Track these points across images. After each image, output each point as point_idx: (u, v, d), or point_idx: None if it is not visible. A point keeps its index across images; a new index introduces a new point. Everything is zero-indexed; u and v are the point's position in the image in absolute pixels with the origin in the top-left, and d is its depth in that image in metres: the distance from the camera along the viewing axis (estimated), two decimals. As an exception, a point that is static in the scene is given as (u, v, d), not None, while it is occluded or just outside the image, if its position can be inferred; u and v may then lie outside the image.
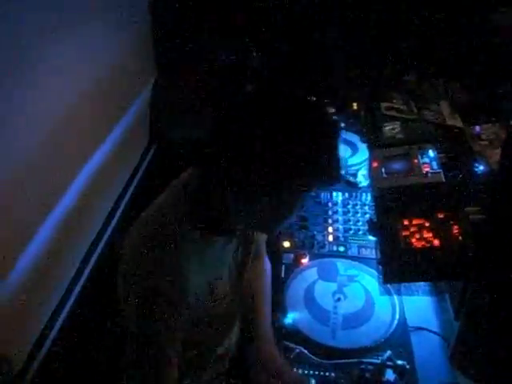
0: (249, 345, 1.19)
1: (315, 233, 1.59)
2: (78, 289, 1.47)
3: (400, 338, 1.26)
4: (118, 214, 1.82)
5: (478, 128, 1.48)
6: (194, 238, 0.94)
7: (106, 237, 1.69)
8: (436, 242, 1.15)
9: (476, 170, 1.35)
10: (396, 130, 1.56)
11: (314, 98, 2.16)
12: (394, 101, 1.68)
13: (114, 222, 1.77)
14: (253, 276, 1.27)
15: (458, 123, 1.55)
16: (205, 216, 0.95)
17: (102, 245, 1.65)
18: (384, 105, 1.69)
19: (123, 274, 0.94)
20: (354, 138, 2.00)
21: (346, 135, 2.02)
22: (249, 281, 1.24)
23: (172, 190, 1.01)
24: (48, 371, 1.26)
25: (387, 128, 1.59)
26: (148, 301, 0.88)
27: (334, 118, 0.93)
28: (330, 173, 0.88)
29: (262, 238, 1.30)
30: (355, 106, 2.16)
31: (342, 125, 2.06)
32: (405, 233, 1.19)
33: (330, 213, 1.68)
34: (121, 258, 0.95)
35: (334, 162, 0.87)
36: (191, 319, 0.97)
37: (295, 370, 1.19)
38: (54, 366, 1.28)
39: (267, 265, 1.35)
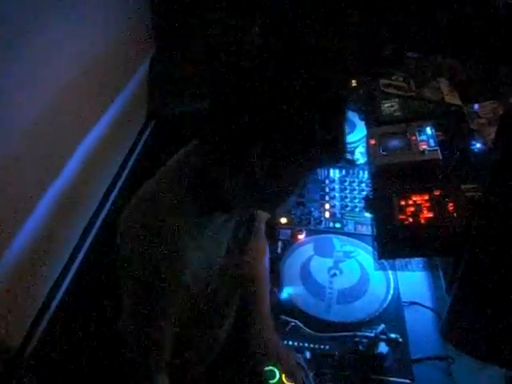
0: (248, 329, 1.19)
1: (312, 209, 1.60)
2: (74, 268, 1.46)
3: (394, 313, 1.29)
4: (116, 191, 1.82)
5: (476, 106, 1.47)
6: (193, 214, 0.93)
7: (103, 214, 1.68)
8: (431, 219, 1.16)
9: (473, 147, 1.35)
10: (394, 108, 1.56)
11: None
12: (393, 78, 1.67)
13: (111, 200, 1.77)
14: (254, 257, 1.26)
15: (457, 101, 1.54)
16: (205, 192, 0.93)
17: (99, 223, 1.64)
18: (383, 82, 1.68)
19: (122, 255, 0.92)
20: (352, 115, 1.99)
21: (345, 112, 2.01)
22: (249, 262, 1.23)
23: (171, 166, 0.99)
24: (46, 351, 1.26)
25: (385, 105, 1.58)
26: (145, 281, 0.88)
27: (341, 92, 0.89)
28: (336, 147, 0.86)
29: (263, 216, 1.29)
30: (354, 83, 2.14)
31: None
32: (401, 209, 1.20)
33: (327, 190, 1.69)
34: (119, 235, 0.93)
35: (341, 136, 0.85)
36: (189, 296, 0.96)
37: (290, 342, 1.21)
38: (52, 346, 1.29)
39: (266, 245, 1.34)
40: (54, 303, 1.35)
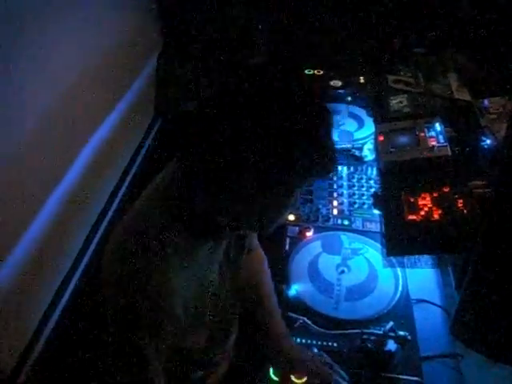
0: (263, 340, 1.16)
1: (320, 206, 1.60)
2: (79, 273, 1.45)
3: (402, 310, 1.28)
4: (123, 189, 1.82)
5: (486, 101, 1.46)
6: (179, 244, 0.87)
7: (109, 215, 1.68)
8: (440, 216, 1.16)
9: (483, 144, 1.34)
10: (403, 104, 1.55)
11: (321, 72, 2.13)
12: (402, 73, 1.66)
13: (118, 198, 1.77)
14: (251, 269, 1.23)
15: (466, 97, 1.53)
16: (191, 219, 0.87)
17: (105, 224, 1.64)
18: (391, 78, 1.67)
19: (106, 283, 0.87)
20: (361, 111, 1.99)
21: (353, 109, 2.01)
22: (248, 276, 1.21)
23: (153, 192, 0.93)
24: (50, 357, 1.25)
25: (394, 101, 1.57)
26: (131, 316, 0.82)
27: (324, 105, 0.84)
28: (323, 164, 0.81)
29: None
30: (362, 79, 2.13)
31: (349, 98, 2.05)
32: (409, 206, 1.20)
33: (335, 186, 1.68)
34: (103, 266, 0.88)
35: (327, 152, 0.80)
36: (181, 328, 0.90)
37: (298, 339, 1.21)
38: (57, 351, 1.27)
39: (263, 256, 1.29)
40: (59, 308, 1.34)
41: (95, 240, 1.56)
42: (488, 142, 1.32)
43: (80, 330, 1.34)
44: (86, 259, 1.50)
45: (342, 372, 1.12)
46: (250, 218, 0.87)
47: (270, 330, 1.16)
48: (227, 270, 1.04)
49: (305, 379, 1.12)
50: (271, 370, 1.15)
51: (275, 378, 1.14)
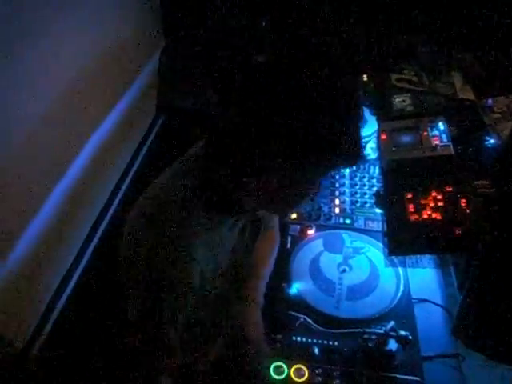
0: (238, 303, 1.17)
1: (322, 205, 1.59)
2: (83, 264, 1.47)
3: (404, 310, 1.27)
4: (125, 185, 1.82)
5: (490, 101, 1.45)
6: (201, 219, 0.90)
7: (112, 209, 1.69)
8: (443, 216, 1.15)
9: (487, 143, 1.33)
10: (406, 102, 1.54)
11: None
12: (405, 72, 1.65)
13: (120, 194, 1.77)
14: (259, 245, 1.26)
15: (470, 96, 1.52)
16: (214, 196, 0.90)
17: (108, 218, 1.64)
18: (395, 76, 1.66)
19: (125, 257, 0.89)
20: (363, 110, 1.98)
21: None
22: (255, 250, 1.23)
23: (179, 168, 0.96)
24: (54, 346, 1.27)
25: (397, 100, 1.56)
26: (153, 288, 0.85)
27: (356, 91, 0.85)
28: (353, 151, 0.82)
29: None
30: (365, 77, 2.12)
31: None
32: (412, 205, 1.19)
33: (337, 185, 1.67)
34: (124, 239, 0.91)
35: (358, 139, 0.82)
36: (197, 299, 0.93)
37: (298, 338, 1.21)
38: (59, 343, 1.29)
39: (277, 237, 1.32)
40: (61, 302, 1.35)
41: (96, 237, 1.56)
42: (492, 141, 1.32)
43: (90, 307, 1.38)
44: (89, 251, 1.51)
45: None
46: (271, 200, 0.88)
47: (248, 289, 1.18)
48: (239, 251, 1.07)
49: (306, 378, 1.12)
50: (272, 368, 1.15)
51: (276, 377, 1.14)
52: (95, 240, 1.55)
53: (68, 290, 1.39)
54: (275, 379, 1.13)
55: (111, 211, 1.68)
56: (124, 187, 1.81)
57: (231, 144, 0.81)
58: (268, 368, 1.15)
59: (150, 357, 0.92)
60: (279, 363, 1.15)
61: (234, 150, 0.81)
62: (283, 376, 1.13)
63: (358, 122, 0.82)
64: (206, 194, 0.90)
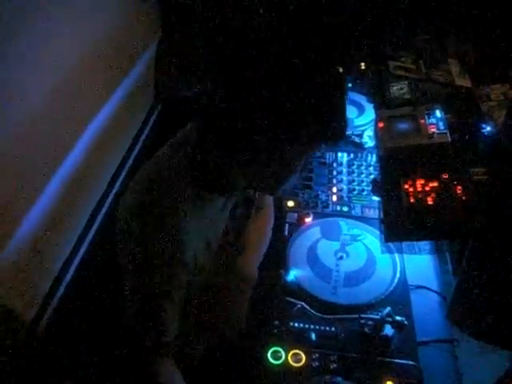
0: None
1: (319, 192, 1.60)
2: (84, 248, 1.47)
3: (400, 296, 1.29)
4: (123, 174, 1.82)
5: (487, 88, 1.45)
6: (191, 197, 0.91)
7: (110, 198, 1.69)
8: (439, 202, 1.16)
9: (483, 131, 1.34)
10: (403, 90, 1.54)
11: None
12: (403, 60, 1.65)
13: (118, 183, 1.77)
14: (253, 223, 1.26)
15: (467, 83, 1.52)
16: (204, 174, 0.92)
17: (107, 205, 1.65)
18: (392, 64, 1.66)
19: (120, 232, 0.91)
20: (361, 98, 1.98)
21: (353, 95, 2.00)
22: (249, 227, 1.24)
23: (170, 147, 0.97)
24: (59, 324, 1.28)
25: (395, 88, 1.56)
26: (145, 262, 0.87)
27: (340, 70, 0.85)
28: (335, 128, 0.83)
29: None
30: (363, 65, 2.12)
31: (349, 85, 2.04)
32: (408, 192, 1.20)
33: (334, 173, 1.68)
34: (118, 216, 0.93)
35: (340, 116, 0.83)
36: (189, 275, 0.96)
37: (296, 324, 1.22)
38: (65, 320, 1.30)
39: (271, 215, 1.32)
40: (63, 285, 1.37)
41: (95, 225, 1.57)
42: (488, 129, 1.32)
43: (96, 284, 1.39)
44: (88, 239, 1.52)
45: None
46: (259, 177, 0.90)
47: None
48: (231, 230, 1.08)
49: (303, 363, 1.14)
50: (269, 353, 1.16)
51: (274, 362, 1.15)
52: (94, 228, 1.56)
53: (73, 266, 1.40)
54: (273, 364, 1.15)
55: (109, 200, 1.68)
56: (122, 176, 1.81)
57: (220, 122, 0.82)
58: (266, 353, 1.16)
59: (144, 334, 0.93)
60: (277, 348, 1.17)
61: (222, 128, 0.82)
62: (281, 361, 1.15)
63: (338, 92, 0.83)
64: (197, 174, 0.91)
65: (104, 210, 1.63)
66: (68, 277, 1.38)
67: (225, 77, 0.83)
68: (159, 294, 0.90)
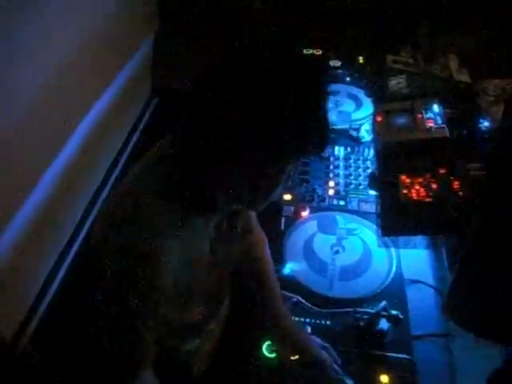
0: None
1: (316, 186, 1.60)
2: (74, 250, 1.47)
3: (395, 290, 1.29)
4: (119, 168, 1.81)
5: (485, 83, 1.45)
6: (172, 214, 0.86)
7: (105, 192, 1.68)
8: (436, 197, 1.16)
9: (481, 125, 1.33)
10: (401, 84, 1.54)
11: (320, 52, 2.10)
12: (401, 54, 1.64)
13: (113, 176, 1.76)
14: (251, 246, 1.23)
15: (466, 78, 1.52)
16: (184, 192, 0.87)
17: (101, 200, 1.64)
18: (390, 58, 1.66)
19: (95, 249, 0.86)
20: (359, 92, 1.97)
21: (351, 89, 1.99)
22: (247, 251, 1.21)
23: (147, 162, 0.92)
24: (49, 326, 1.28)
25: (393, 82, 1.56)
26: (121, 286, 0.81)
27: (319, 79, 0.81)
28: (316, 143, 0.80)
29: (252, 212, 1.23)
30: (361, 59, 2.11)
31: (347, 79, 2.03)
32: (405, 186, 1.20)
33: (331, 167, 1.67)
34: (93, 238, 0.87)
35: (321, 130, 0.79)
36: (172, 299, 0.90)
37: (293, 318, 1.21)
38: (54, 324, 1.30)
39: (263, 235, 1.28)
40: (56, 281, 1.36)
41: (88, 222, 1.56)
42: (486, 123, 1.32)
43: (77, 303, 1.35)
44: (81, 236, 1.51)
45: (335, 353, 1.13)
46: (241, 192, 0.86)
47: (271, 311, 1.17)
48: (218, 247, 1.03)
49: (297, 356, 1.14)
50: (264, 347, 1.16)
51: (268, 355, 1.15)
52: (87, 224, 1.55)
53: (65, 265, 1.39)
54: (267, 357, 1.15)
55: (104, 194, 1.68)
56: (117, 170, 1.81)
57: (200, 137, 0.79)
58: (260, 347, 1.16)
59: (120, 347, 0.88)
60: (271, 342, 1.17)
61: (203, 142, 0.79)
62: (275, 354, 1.15)
63: (324, 108, 0.79)
64: (177, 192, 0.86)
65: (98, 206, 1.63)
66: (53, 287, 1.36)
67: (212, 76, 0.79)
68: (133, 313, 0.84)
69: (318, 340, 1.16)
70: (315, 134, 0.79)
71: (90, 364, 1.05)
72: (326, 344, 1.15)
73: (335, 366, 1.10)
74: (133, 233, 0.81)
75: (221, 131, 0.76)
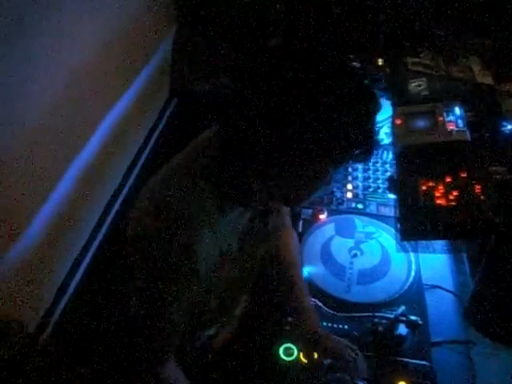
0: (294, 317, 1.19)
1: (334, 189, 1.59)
2: (94, 248, 1.48)
3: (414, 295, 1.27)
4: (138, 168, 1.82)
5: (508, 86, 1.42)
6: (209, 208, 0.88)
7: (124, 192, 1.69)
8: (456, 201, 1.14)
9: (504, 129, 1.31)
10: (422, 87, 1.52)
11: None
12: (421, 56, 1.62)
13: (133, 177, 1.77)
14: (283, 247, 1.24)
15: (489, 81, 1.49)
16: (225, 185, 0.88)
17: (119, 201, 1.65)
18: (411, 60, 1.64)
19: (131, 238, 0.88)
20: (378, 94, 1.95)
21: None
22: (279, 251, 1.22)
23: (190, 152, 0.94)
24: (63, 331, 1.28)
25: (413, 84, 1.54)
26: (156, 273, 0.84)
27: (369, 85, 0.83)
28: (366, 144, 0.80)
29: (286, 209, 1.25)
30: (380, 61, 2.09)
31: (366, 82, 2.01)
32: (425, 190, 1.18)
33: (349, 170, 1.66)
34: (130, 224, 0.89)
35: (369, 135, 0.80)
36: (200, 288, 0.93)
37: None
38: (70, 326, 1.31)
39: (294, 236, 1.29)
40: (76, 279, 1.37)
41: (107, 222, 1.57)
42: (509, 127, 1.30)
43: (102, 291, 1.40)
44: (100, 236, 1.52)
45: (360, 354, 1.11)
46: (282, 189, 0.87)
47: (299, 310, 1.17)
48: (247, 243, 1.04)
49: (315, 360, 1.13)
50: (281, 350, 1.16)
51: (286, 358, 1.15)
52: (107, 223, 1.57)
53: (78, 275, 1.40)
54: (285, 360, 1.14)
55: (123, 194, 1.69)
56: (136, 170, 1.82)
57: (246, 133, 0.79)
58: (278, 349, 1.16)
59: (148, 336, 0.92)
60: (289, 345, 1.16)
61: (247, 139, 0.80)
62: (293, 357, 1.15)
63: (368, 113, 0.80)
64: (218, 184, 0.88)
65: (118, 205, 1.64)
66: (74, 282, 1.38)
67: (242, 88, 0.80)
68: (167, 299, 0.88)
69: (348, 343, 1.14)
70: (363, 140, 0.79)
71: (116, 353, 1.06)
72: (354, 347, 1.12)
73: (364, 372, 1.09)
74: (170, 218, 0.84)
75: (266, 128, 0.76)
